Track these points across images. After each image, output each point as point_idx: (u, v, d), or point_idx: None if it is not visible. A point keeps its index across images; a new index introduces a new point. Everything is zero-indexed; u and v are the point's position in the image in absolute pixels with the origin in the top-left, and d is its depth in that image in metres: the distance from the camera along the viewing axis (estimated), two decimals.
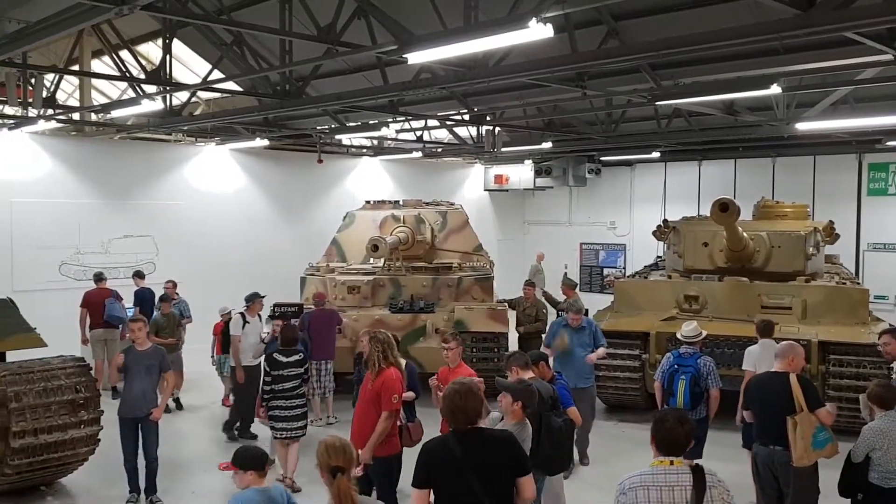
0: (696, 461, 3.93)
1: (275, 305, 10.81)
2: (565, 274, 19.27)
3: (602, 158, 20.59)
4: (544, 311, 12.08)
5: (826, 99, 11.57)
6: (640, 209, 21.07)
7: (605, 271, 21.74)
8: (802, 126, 12.31)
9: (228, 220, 17.01)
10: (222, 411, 11.26)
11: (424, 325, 11.50)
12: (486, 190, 22.79)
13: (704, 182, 19.68)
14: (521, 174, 21.67)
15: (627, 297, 11.72)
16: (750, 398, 6.58)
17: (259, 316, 10.46)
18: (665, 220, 12.85)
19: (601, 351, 9.19)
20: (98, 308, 12.04)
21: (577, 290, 12.63)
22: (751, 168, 18.93)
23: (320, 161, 17.71)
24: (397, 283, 12.15)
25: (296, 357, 8.20)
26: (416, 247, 12.74)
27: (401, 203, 14.07)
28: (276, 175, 18.05)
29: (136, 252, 15.41)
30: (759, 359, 7.71)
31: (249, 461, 4.63)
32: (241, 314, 10.22)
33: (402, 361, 6.88)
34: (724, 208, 9.99)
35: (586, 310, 9.74)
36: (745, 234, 10.97)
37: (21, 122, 13.40)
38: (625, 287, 12.09)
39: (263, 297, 10.47)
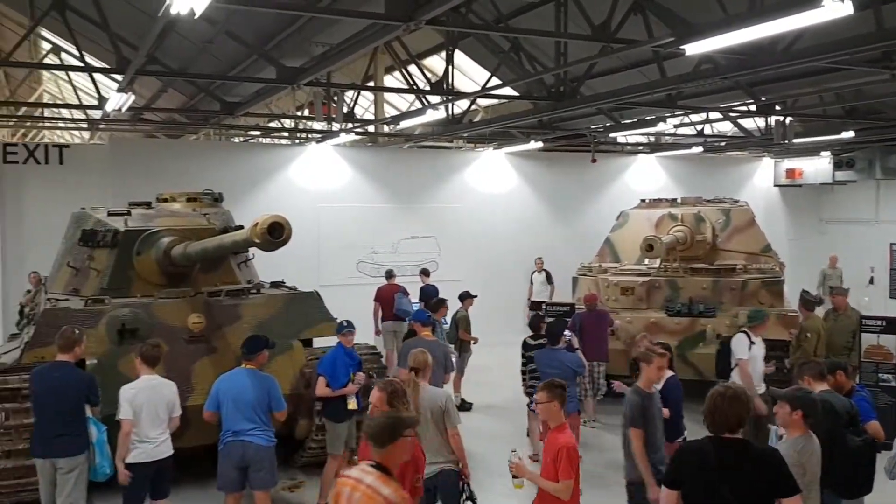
0: None
1: (545, 305, 10.96)
2: (871, 278, 17.28)
3: None
4: (808, 335, 9.60)
5: None
6: None
7: None
8: None
9: (504, 221, 17.59)
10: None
11: (704, 330, 10.95)
12: (776, 185, 21.07)
13: None
14: (817, 167, 19.69)
15: None
16: None
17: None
18: None
19: None
20: (388, 302, 13.10)
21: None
22: None
23: (594, 160, 17.65)
24: (674, 285, 11.68)
25: (541, 340, 9.16)
26: (696, 247, 12.16)
27: (678, 201, 13.51)
28: (549, 176, 18.31)
29: (420, 252, 16.57)
30: None
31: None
32: (746, 333, 8.31)
33: (669, 372, 6.46)
34: None
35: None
36: None
37: (326, 135, 15.08)
38: None
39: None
